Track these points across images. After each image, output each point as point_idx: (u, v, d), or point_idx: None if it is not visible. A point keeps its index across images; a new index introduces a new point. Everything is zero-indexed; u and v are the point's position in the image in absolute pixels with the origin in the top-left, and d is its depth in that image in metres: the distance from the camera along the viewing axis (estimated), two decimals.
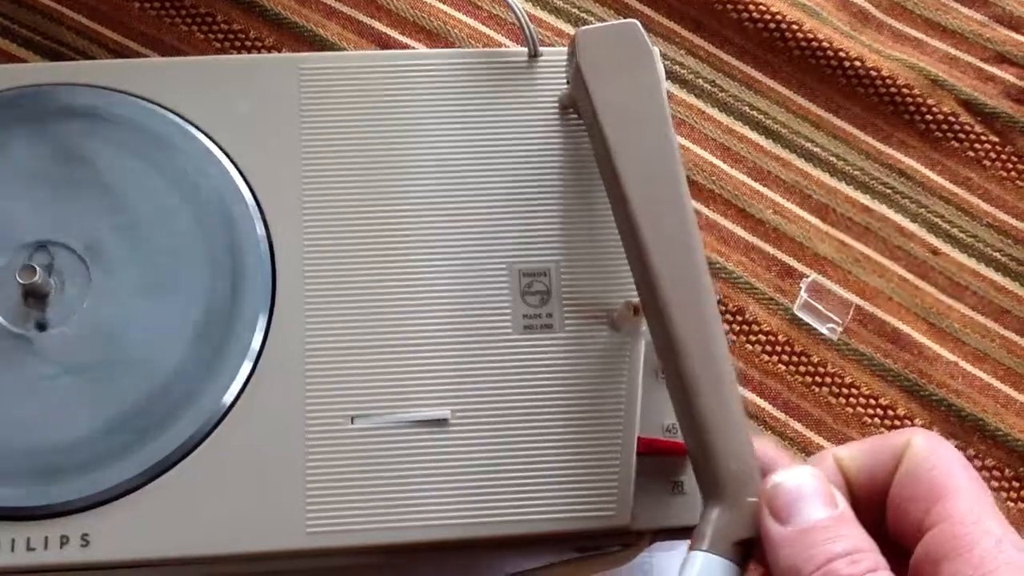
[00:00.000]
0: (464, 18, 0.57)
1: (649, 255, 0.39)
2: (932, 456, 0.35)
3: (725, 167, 0.56)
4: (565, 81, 0.47)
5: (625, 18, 0.57)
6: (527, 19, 0.48)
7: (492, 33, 0.57)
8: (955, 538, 0.33)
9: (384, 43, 0.56)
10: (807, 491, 0.35)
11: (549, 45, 0.56)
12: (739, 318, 0.53)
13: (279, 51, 0.56)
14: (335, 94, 0.47)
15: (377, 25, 0.57)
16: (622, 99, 0.43)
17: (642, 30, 0.43)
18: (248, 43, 0.56)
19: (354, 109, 0.46)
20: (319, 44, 0.56)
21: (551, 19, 0.58)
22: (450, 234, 0.45)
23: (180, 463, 0.41)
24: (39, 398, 0.42)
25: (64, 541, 0.40)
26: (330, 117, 0.46)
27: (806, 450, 0.51)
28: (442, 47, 0.57)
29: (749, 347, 0.53)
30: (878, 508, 0.36)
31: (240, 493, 0.41)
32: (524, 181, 0.45)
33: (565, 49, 0.48)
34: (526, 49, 0.48)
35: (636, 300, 0.43)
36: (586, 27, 0.44)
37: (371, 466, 0.42)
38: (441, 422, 0.42)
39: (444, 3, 0.58)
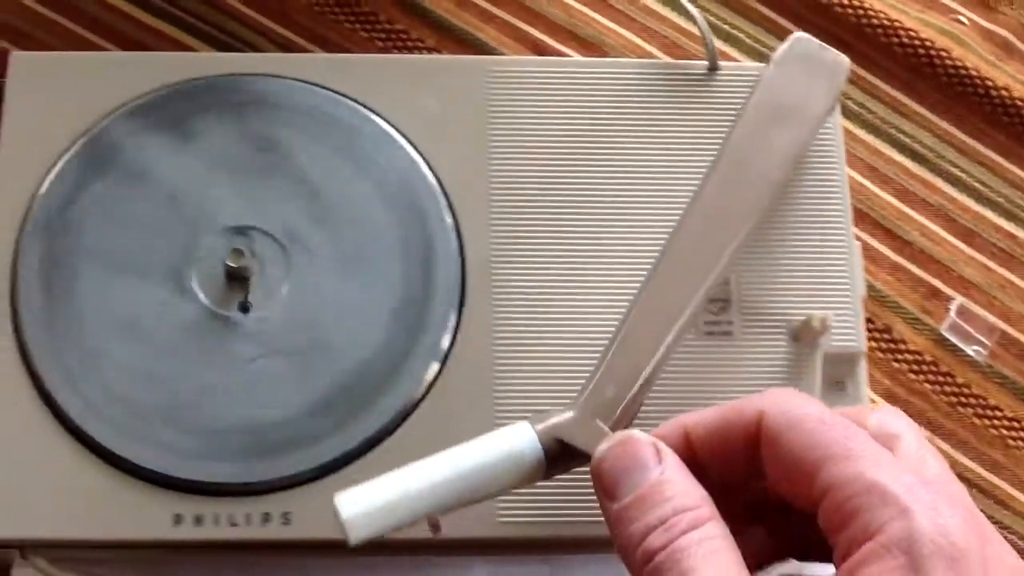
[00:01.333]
0: (618, 28, 0.59)
1: (687, 218, 0.42)
2: (788, 430, 0.34)
3: (873, 187, 0.57)
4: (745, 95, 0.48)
5: (777, 37, 0.59)
6: (710, 33, 0.49)
7: (644, 44, 0.58)
8: (841, 507, 0.32)
9: (540, 49, 0.58)
10: (628, 461, 0.35)
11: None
12: (886, 336, 0.54)
13: (439, 52, 0.57)
14: (521, 96, 0.48)
15: (533, 31, 0.58)
16: (783, 98, 0.44)
17: (847, 73, 0.45)
18: (409, 43, 0.57)
19: (539, 112, 0.48)
20: (478, 47, 0.57)
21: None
22: (632, 238, 0.46)
23: (378, 446, 0.42)
24: (242, 378, 0.43)
25: (266, 518, 0.41)
26: (516, 118, 0.48)
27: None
28: (596, 56, 0.58)
29: (895, 365, 0.54)
30: (736, 474, 0.36)
31: None
32: None
33: (744, 64, 0.50)
34: (706, 62, 0.49)
35: (820, 314, 0.44)
36: (805, 35, 0.45)
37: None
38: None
39: (599, 13, 0.59)
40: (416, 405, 0.43)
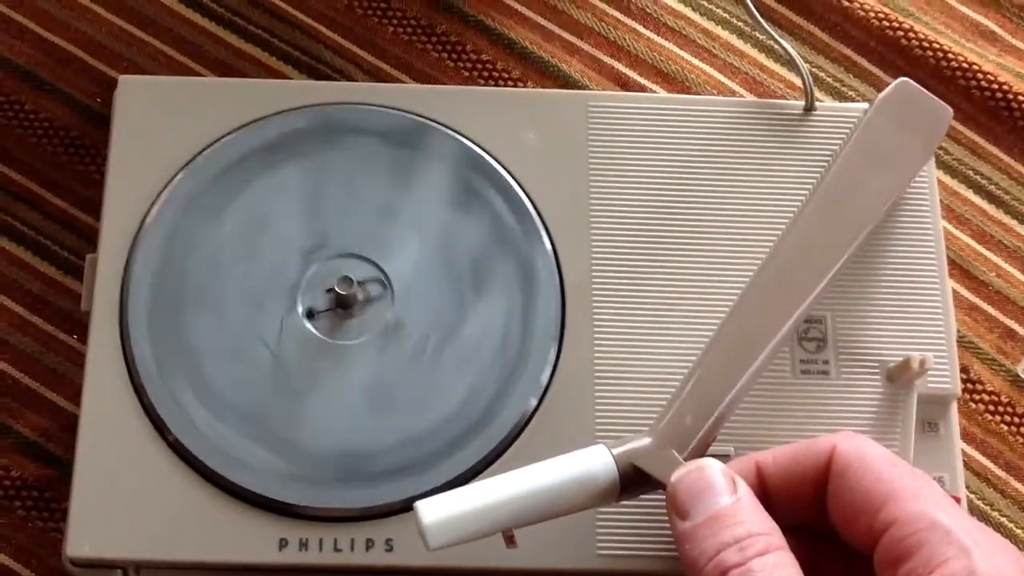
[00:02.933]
0: (700, 64, 0.59)
1: (776, 253, 0.43)
2: (859, 465, 0.36)
3: (950, 227, 0.57)
4: (841, 136, 0.49)
5: (856, 76, 0.59)
6: (808, 74, 0.50)
7: (727, 81, 0.59)
8: (904, 540, 0.34)
9: (623, 83, 0.58)
10: (703, 485, 0.36)
11: (781, 98, 0.58)
12: (963, 376, 0.55)
13: (524, 84, 0.57)
14: (621, 131, 0.49)
15: (617, 65, 0.59)
16: (882, 142, 0.45)
17: (948, 122, 0.46)
18: (496, 74, 0.58)
19: (638, 146, 0.49)
20: (562, 80, 0.58)
21: (782, 71, 0.60)
22: (727, 271, 0.47)
23: (480, 475, 0.43)
24: (348, 405, 0.43)
25: (369, 544, 0.42)
26: (615, 152, 0.48)
27: None
28: (678, 91, 0.58)
29: (972, 405, 0.54)
30: (803, 511, 0.38)
31: None
32: None
33: (841, 105, 0.50)
34: (801, 102, 0.50)
35: (919, 355, 0.44)
36: (910, 81, 0.46)
37: (660, 495, 0.43)
38: (723, 458, 0.44)
39: (682, 49, 0.60)
40: (517, 435, 0.44)
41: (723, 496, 0.36)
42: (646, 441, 0.39)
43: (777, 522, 0.36)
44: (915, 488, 0.35)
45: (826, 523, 0.38)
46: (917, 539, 0.34)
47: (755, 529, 0.35)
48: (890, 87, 0.47)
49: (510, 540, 0.38)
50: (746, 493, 0.36)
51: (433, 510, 0.37)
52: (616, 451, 0.39)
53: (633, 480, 0.39)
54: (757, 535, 0.35)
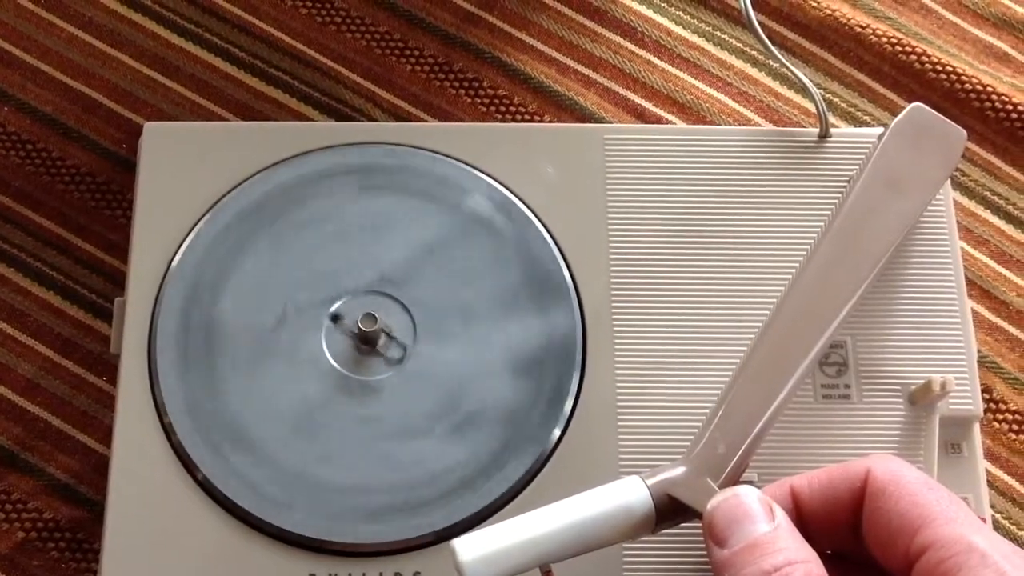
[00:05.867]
0: (715, 93, 0.60)
1: (799, 280, 0.44)
2: (895, 488, 0.36)
3: (969, 248, 0.57)
4: (857, 161, 0.49)
5: (870, 101, 0.60)
6: (822, 101, 0.50)
7: (742, 109, 0.60)
8: (941, 563, 0.34)
9: (639, 114, 0.59)
10: (741, 512, 0.36)
11: (796, 125, 0.58)
12: (985, 396, 0.55)
13: (541, 117, 0.58)
14: (637, 162, 0.49)
15: (633, 96, 0.59)
16: (899, 167, 0.45)
17: (963, 145, 0.46)
18: (512, 108, 0.59)
19: (655, 177, 0.49)
20: (579, 112, 0.59)
21: (797, 97, 0.60)
22: (748, 300, 0.47)
23: (504, 508, 0.43)
24: (374, 440, 0.44)
25: None
26: (633, 184, 0.49)
27: None
28: (694, 121, 0.59)
29: (996, 425, 0.54)
30: (839, 536, 0.38)
31: None
32: None
33: (855, 131, 0.51)
34: (817, 129, 0.50)
35: (940, 377, 0.45)
36: (923, 106, 0.46)
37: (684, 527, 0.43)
38: (748, 484, 0.44)
39: (696, 78, 0.60)
40: (542, 466, 0.44)
41: (761, 523, 0.36)
42: (680, 470, 0.40)
43: (814, 548, 0.36)
44: (952, 512, 0.35)
45: (863, 549, 0.38)
46: (955, 562, 0.34)
47: (794, 557, 0.35)
48: (903, 112, 0.47)
49: (547, 575, 0.38)
50: (784, 520, 0.36)
51: (469, 548, 0.37)
52: (650, 481, 0.39)
53: (669, 510, 0.39)
54: (796, 563, 0.35)
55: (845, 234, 0.45)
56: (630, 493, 0.39)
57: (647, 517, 0.39)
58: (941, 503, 0.36)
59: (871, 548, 0.37)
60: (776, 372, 0.42)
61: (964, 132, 0.47)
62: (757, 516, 0.36)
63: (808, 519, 0.38)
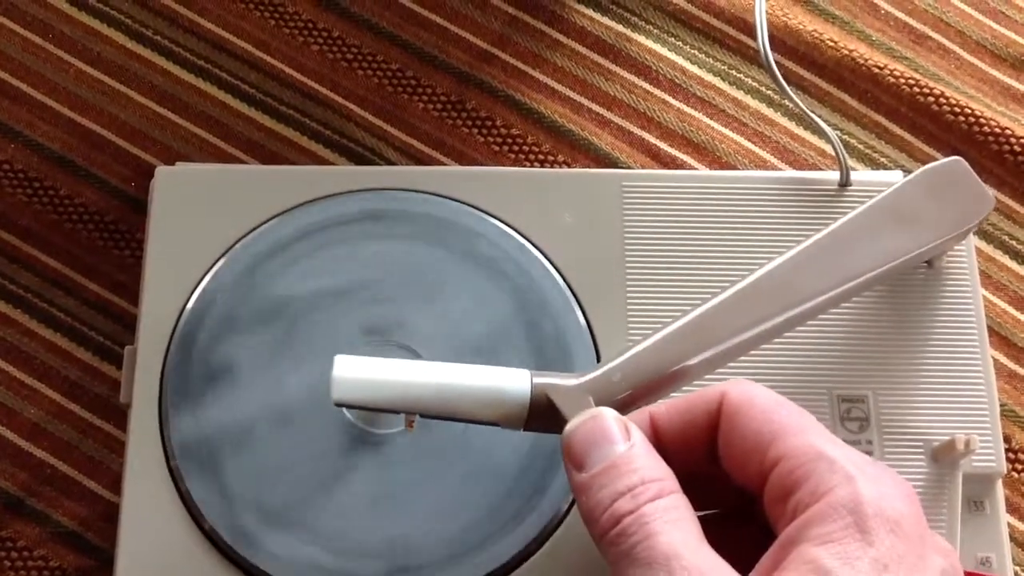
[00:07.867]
0: (730, 134, 0.59)
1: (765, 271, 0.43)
2: (749, 408, 0.37)
3: (987, 294, 0.57)
4: None
5: (887, 142, 0.59)
6: (841, 147, 0.50)
7: (757, 150, 0.59)
8: (791, 472, 0.35)
9: (654, 154, 0.58)
10: (598, 434, 0.37)
11: (813, 167, 0.58)
12: (1005, 446, 0.54)
13: (555, 157, 0.58)
14: (654, 208, 0.49)
15: (647, 136, 0.59)
16: (910, 206, 0.45)
17: (988, 211, 0.46)
18: (526, 148, 0.58)
19: (672, 223, 0.49)
20: (593, 153, 0.58)
21: (813, 138, 0.60)
22: (770, 356, 0.46)
23: (522, 565, 0.43)
24: (389, 495, 0.43)
25: None
26: (650, 230, 0.48)
27: None
28: (709, 162, 0.58)
29: (1015, 475, 0.54)
30: (696, 459, 0.38)
31: None
32: (840, 307, 0.47)
33: (875, 177, 0.50)
34: (836, 172, 0.50)
35: (964, 436, 0.44)
36: (964, 162, 0.46)
37: None
38: None
39: (711, 119, 0.60)
40: (562, 519, 0.43)
41: (618, 444, 0.36)
42: (571, 381, 0.40)
43: (673, 471, 0.37)
44: (801, 424, 0.36)
45: (719, 470, 0.38)
46: (804, 471, 0.34)
47: (648, 476, 0.35)
48: (942, 160, 0.46)
49: (410, 424, 0.40)
50: (640, 439, 0.37)
51: (346, 367, 0.38)
52: (536, 379, 0.39)
53: (542, 412, 0.39)
54: (650, 481, 0.35)
55: (828, 246, 0.44)
56: (513, 380, 0.39)
57: (519, 408, 0.39)
58: (792, 416, 0.36)
59: (728, 468, 0.38)
60: (701, 340, 0.41)
61: (994, 199, 0.46)
62: (614, 436, 0.36)
63: (667, 443, 0.38)
